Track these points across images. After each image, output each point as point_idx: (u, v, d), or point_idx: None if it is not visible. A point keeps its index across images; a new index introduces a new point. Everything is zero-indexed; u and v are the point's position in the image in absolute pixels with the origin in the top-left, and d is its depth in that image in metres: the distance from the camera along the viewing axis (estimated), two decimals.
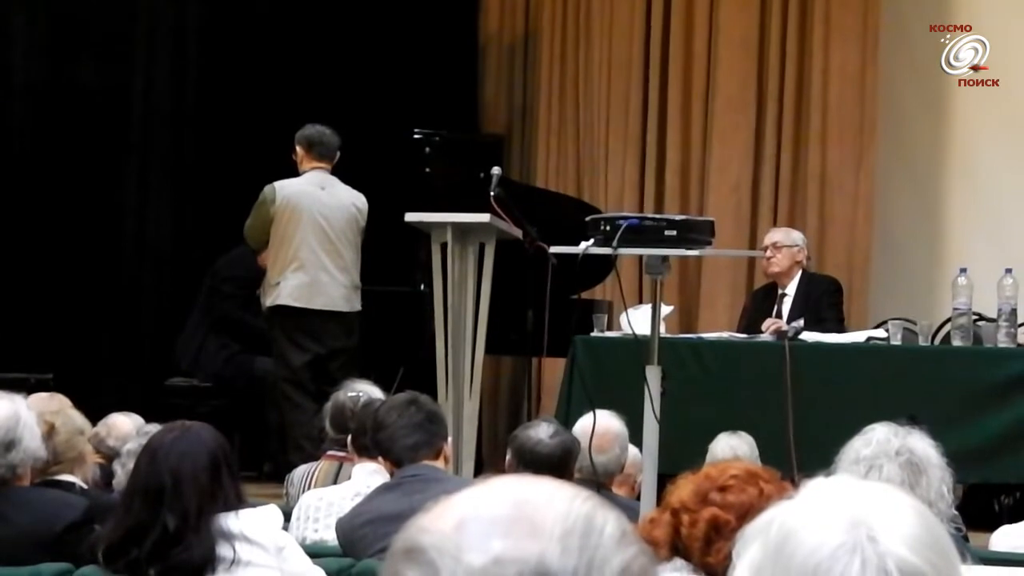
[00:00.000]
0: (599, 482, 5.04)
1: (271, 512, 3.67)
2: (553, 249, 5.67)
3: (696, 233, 5.38)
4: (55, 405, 4.94)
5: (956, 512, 4.18)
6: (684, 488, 2.71)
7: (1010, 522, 5.25)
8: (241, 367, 8.69)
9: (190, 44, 9.68)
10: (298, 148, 7.94)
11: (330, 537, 4.48)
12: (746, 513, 2.63)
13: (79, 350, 9.01)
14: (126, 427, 5.54)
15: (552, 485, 1.20)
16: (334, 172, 7.95)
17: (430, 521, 1.18)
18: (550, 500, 1.18)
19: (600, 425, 5.15)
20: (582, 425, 5.19)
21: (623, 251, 5.27)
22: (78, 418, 4.62)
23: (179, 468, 3.50)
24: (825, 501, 1.39)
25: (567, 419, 5.98)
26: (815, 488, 1.42)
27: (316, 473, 5.54)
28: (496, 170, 7.13)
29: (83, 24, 9.40)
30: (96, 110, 9.35)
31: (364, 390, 5.65)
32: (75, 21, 9.37)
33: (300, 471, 5.67)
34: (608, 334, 7.64)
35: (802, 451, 6.49)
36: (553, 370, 8.69)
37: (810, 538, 1.35)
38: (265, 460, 8.46)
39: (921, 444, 3.67)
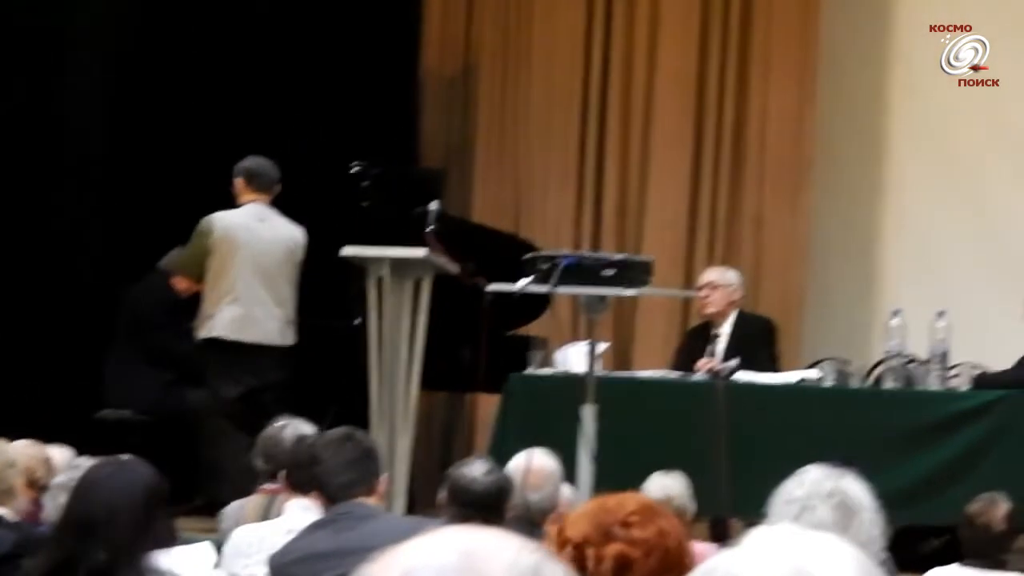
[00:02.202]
0: (532, 520, 5.03)
1: (204, 550, 3.65)
2: (491, 287, 5.66)
3: (634, 273, 5.41)
4: (34, 451, 4.92)
5: (888, 554, 4.19)
6: (581, 522, 2.62)
7: (938, 564, 5.29)
8: (175, 398, 8.61)
9: (125, 71, 9.61)
10: (237, 179, 7.89)
11: (261, 573, 4.45)
12: (652, 550, 2.57)
13: (6, 382, 8.88)
14: (56, 460, 5.48)
15: (498, 535, 1.19)
16: (273, 204, 7.91)
17: (376, 573, 1.17)
18: (497, 551, 1.17)
19: (534, 463, 5.15)
20: (516, 462, 5.19)
21: (561, 290, 5.28)
22: (9, 450, 4.57)
23: (113, 502, 3.47)
24: (768, 550, 1.39)
25: (500, 456, 5.95)
26: (757, 536, 1.42)
27: (247, 508, 5.49)
28: (434, 205, 7.13)
29: (10, 48, 9.29)
30: (25, 139, 9.24)
31: (295, 425, 5.61)
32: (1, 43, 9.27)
33: (232, 506, 5.62)
34: (543, 371, 7.63)
35: (736, 491, 6.50)
36: (487, 406, 8.67)
37: None
38: (196, 493, 8.37)
39: (854, 486, 3.67)
